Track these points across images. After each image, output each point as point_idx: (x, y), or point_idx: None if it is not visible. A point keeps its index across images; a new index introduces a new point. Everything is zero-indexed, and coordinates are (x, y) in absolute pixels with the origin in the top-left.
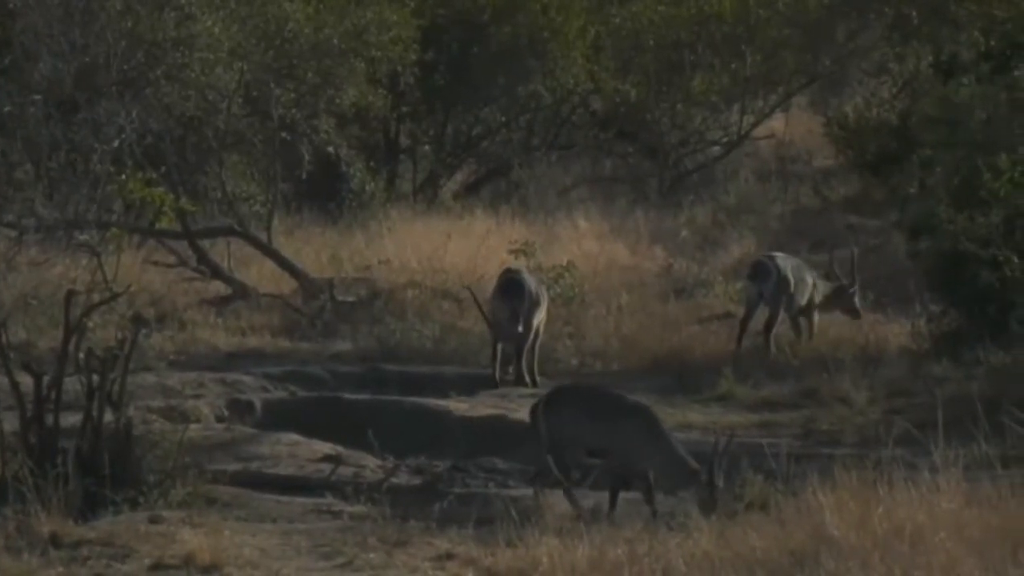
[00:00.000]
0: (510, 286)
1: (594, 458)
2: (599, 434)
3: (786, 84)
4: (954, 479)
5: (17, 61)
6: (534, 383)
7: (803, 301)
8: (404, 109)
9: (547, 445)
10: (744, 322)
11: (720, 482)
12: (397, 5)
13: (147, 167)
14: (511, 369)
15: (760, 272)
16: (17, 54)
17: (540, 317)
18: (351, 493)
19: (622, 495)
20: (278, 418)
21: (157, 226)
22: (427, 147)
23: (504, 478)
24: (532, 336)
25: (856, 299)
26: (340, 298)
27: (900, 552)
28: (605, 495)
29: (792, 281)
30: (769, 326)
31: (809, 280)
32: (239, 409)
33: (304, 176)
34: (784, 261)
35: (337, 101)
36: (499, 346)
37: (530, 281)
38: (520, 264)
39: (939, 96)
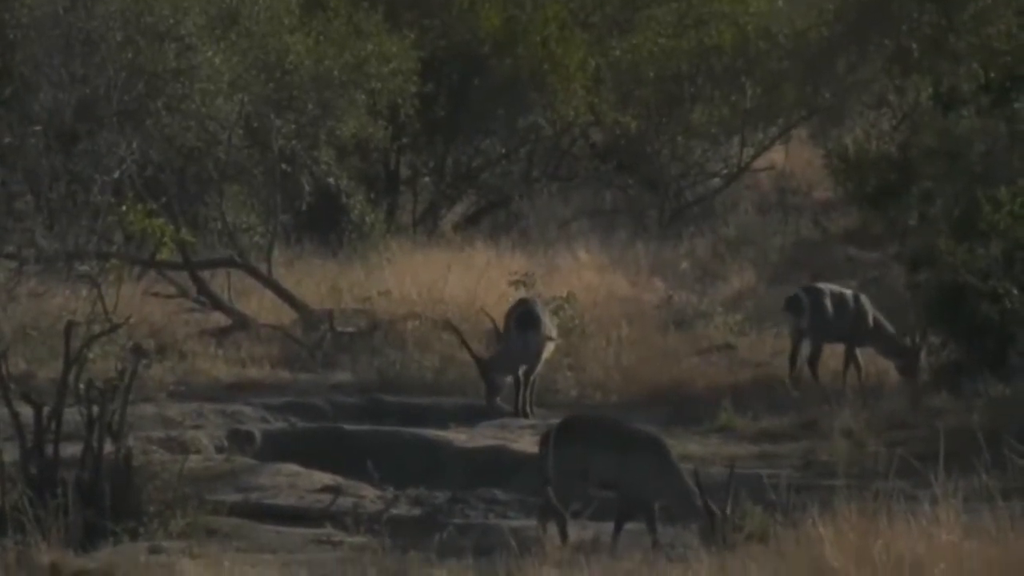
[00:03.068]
0: (525, 317)
1: (605, 489)
2: (610, 466)
3: (786, 116)
4: (954, 511)
5: (17, 92)
6: (528, 415)
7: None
8: (404, 140)
9: (554, 475)
10: (792, 356)
11: (728, 512)
12: (397, 37)
13: (147, 198)
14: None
15: (793, 306)
16: (17, 85)
17: (550, 348)
18: (351, 524)
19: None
20: (278, 449)
21: (157, 257)
22: (427, 178)
23: (504, 509)
24: (538, 367)
25: (920, 359)
26: (340, 329)
27: None
28: (605, 525)
29: (832, 312)
30: (812, 360)
31: (863, 313)
32: (239, 440)
33: (304, 207)
34: (824, 292)
35: (337, 132)
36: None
37: (543, 312)
38: (532, 294)
39: (939, 128)
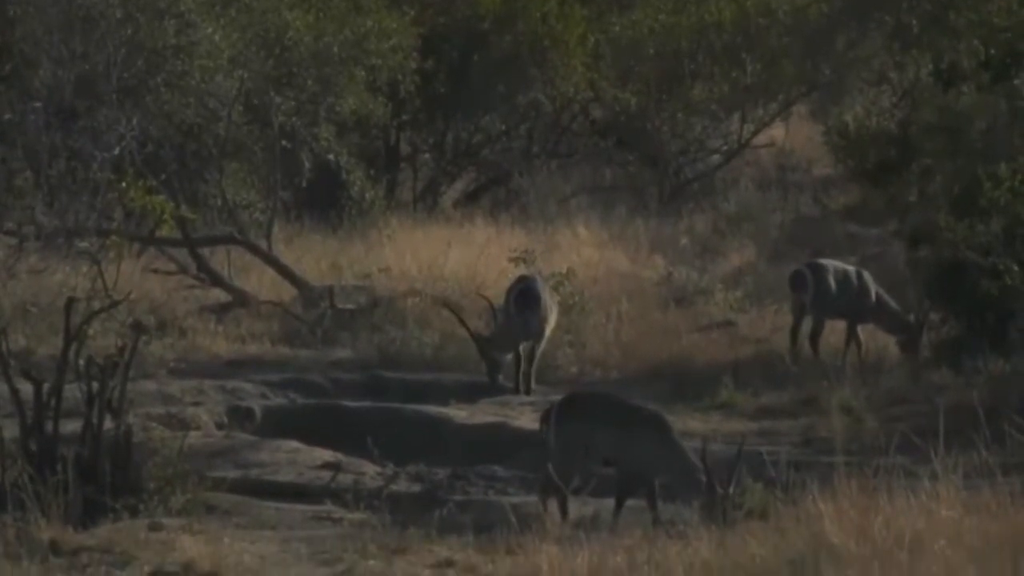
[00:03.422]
0: (524, 294)
1: (606, 466)
2: (612, 442)
3: (786, 93)
4: (954, 487)
5: (17, 68)
6: (529, 391)
7: (849, 310)
8: (404, 117)
9: (555, 451)
10: (794, 331)
11: (730, 490)
12: (397, 13)
13: (147, 175)
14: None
15: (797, 282)
16: (17, 61)
17: (551, 325)
18: (351, 500)
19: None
20: (278, 425)
21: (157, 234)
22: (427, 155)
23: (504, 485)
24: (542, 344)
25: (923, 335)
26: (340, 306)
27: (900, 560)
28: (606, 502)
29: (835, 289)
30: (814, 337)
31: (866, 289)
32: (239, 416)
33: (304, 184)
34: (828, 269)
35: (337, 109)
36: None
37: (543, 289)
38: (532, 271)
39: (939, 105)
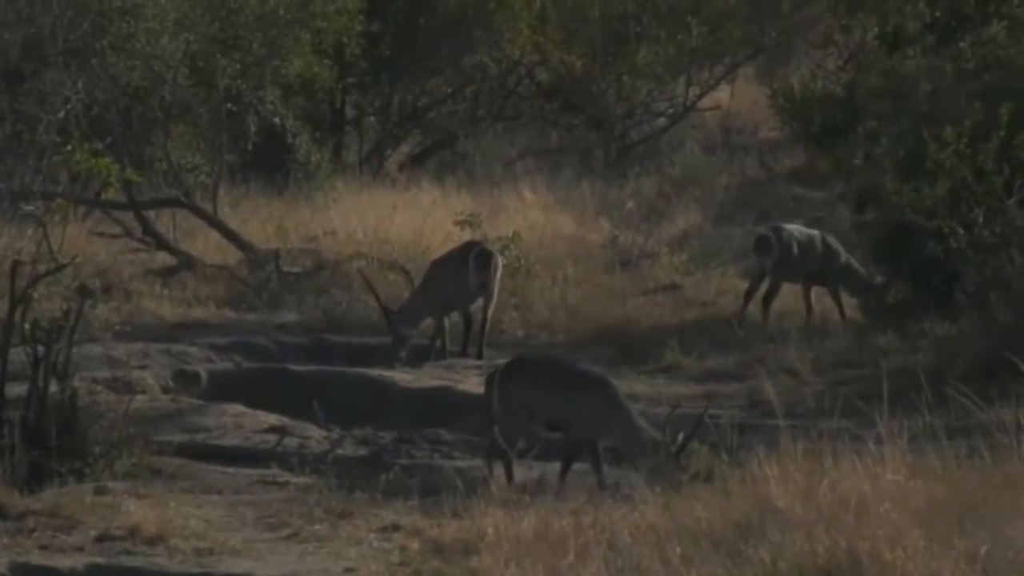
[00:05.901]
0: (482, 256)
1: (552, 430)
2: (558, 405)
3: (732, 55)
4: (899, 450)
5: None
6: (480, 356)
7: (817, 274)
8: (350, 80)
9: (500, 415)
10: (748, 293)
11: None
12: None
13: (93, 138)
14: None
15: (762, 246)
16: None
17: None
18: (297, 464)
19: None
20: (224, 389)
21: (103, 197)
22: (373, 118)
23: (449, 449)
24: (492, 306)
25: (887, 296)
26: (286, 269)
27: (845, 523)
28: (551, 466)
29: (797, 253)
30: (768, 297)
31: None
32: (185, 380)
33: (250, 147)
34: (792, 233)
35: (283, 72)
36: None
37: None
38: (478, 235)
39: (884, 68)
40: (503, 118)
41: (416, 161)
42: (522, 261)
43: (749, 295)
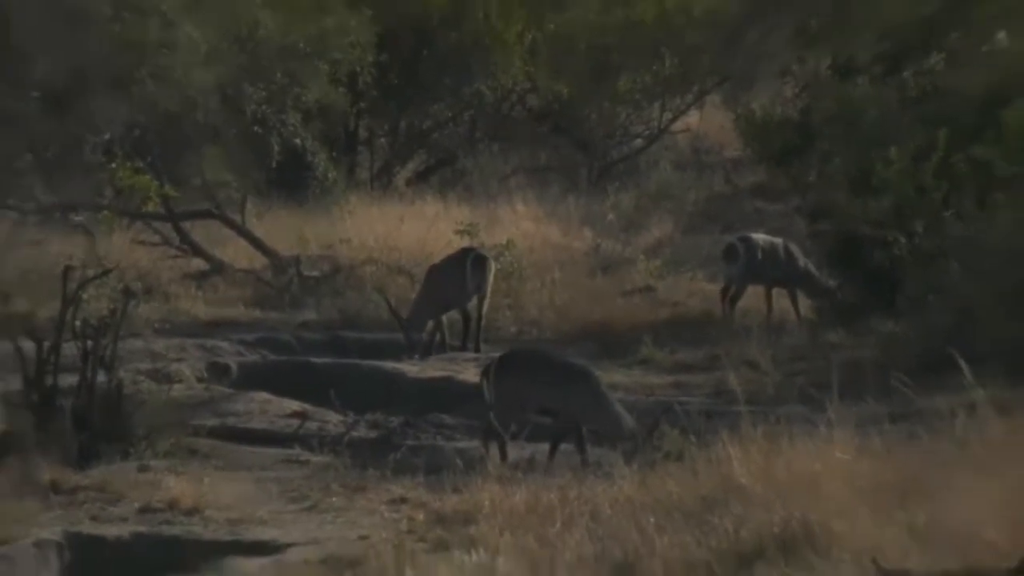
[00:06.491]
0: (478, 260)
1: (541, 415)
2: (548, 396)
3: (701, 84)
4: (847, 434)
5: (16, 62)
6: (478, 349)
7: (780, 278)
8: (362, 105)
9: (495, 402)
10: (723, 293)
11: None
12: (356, 13)
13: (135, 157)
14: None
15: (730, 254)
16: (16, 56)
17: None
18: (316, 445)
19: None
20: (252, 379)
21: (144, 209)
22: (383, 139)
23: (451, 432)
24: (486, 303)
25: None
26: (306, 273)
27: (799, 497)
28: (541, 446)
29: (762, 259)
30: (734, 299)
31: (794, 259)
32: (217, 371)
33: (274, 165)
34: (757, 242)
35: (303, 98)
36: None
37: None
38: (476, 242)
39: (837, 95)
40: (498, 139)
41: (421, 177)
42: (515, 266)
43: (724, 293)
